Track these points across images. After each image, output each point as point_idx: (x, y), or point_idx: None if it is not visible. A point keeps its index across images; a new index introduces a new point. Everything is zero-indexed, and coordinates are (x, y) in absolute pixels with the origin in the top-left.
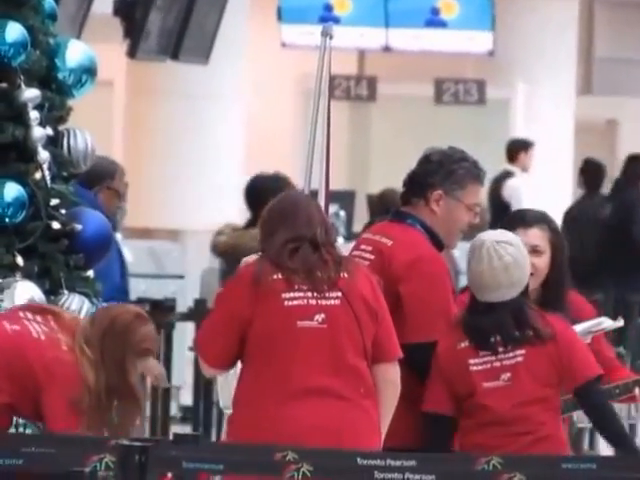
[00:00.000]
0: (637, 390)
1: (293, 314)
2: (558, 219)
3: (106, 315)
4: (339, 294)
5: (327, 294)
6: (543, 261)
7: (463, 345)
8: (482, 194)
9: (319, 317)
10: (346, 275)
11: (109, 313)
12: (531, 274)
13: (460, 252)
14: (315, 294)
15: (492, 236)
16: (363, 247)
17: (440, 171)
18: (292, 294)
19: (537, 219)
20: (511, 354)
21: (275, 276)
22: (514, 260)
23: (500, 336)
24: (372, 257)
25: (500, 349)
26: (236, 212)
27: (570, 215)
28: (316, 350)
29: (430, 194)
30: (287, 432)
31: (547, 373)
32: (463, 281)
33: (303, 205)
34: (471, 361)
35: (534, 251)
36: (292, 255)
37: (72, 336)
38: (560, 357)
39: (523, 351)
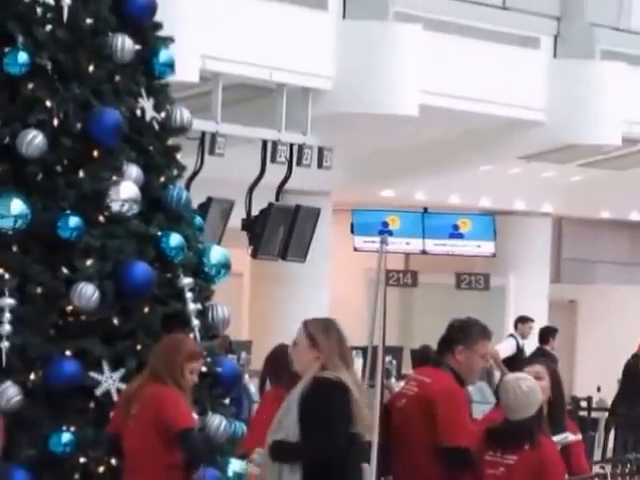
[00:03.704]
0: None
1: None
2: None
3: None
4: None
5: None
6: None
7: (489, 442)
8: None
9: None
10: None
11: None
12: None
13: (472, 387)
14: None
15: (514, 375)
16: (411, 383)
17: (461, 333)
18: None
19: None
20: (508, 455)
21: None
22: (531, 389)
23: (512, 441)
24: (416, 389)
25: (509, 448)
26: None
27: None
28: None
29: (455, 349)
30: None
31: (527, 476)
32: (474, 408)
33: None
34: (489, 452)
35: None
36: None
37: None
38: (537, 466)
39: (515, 457)
